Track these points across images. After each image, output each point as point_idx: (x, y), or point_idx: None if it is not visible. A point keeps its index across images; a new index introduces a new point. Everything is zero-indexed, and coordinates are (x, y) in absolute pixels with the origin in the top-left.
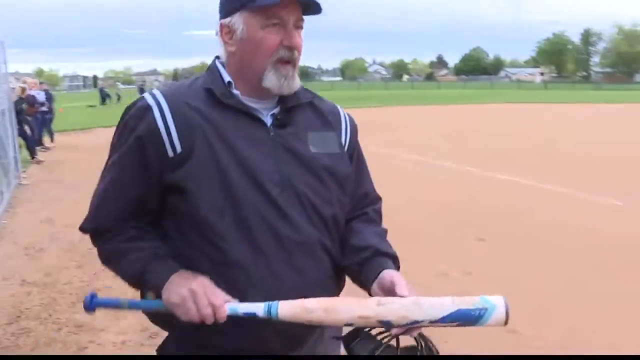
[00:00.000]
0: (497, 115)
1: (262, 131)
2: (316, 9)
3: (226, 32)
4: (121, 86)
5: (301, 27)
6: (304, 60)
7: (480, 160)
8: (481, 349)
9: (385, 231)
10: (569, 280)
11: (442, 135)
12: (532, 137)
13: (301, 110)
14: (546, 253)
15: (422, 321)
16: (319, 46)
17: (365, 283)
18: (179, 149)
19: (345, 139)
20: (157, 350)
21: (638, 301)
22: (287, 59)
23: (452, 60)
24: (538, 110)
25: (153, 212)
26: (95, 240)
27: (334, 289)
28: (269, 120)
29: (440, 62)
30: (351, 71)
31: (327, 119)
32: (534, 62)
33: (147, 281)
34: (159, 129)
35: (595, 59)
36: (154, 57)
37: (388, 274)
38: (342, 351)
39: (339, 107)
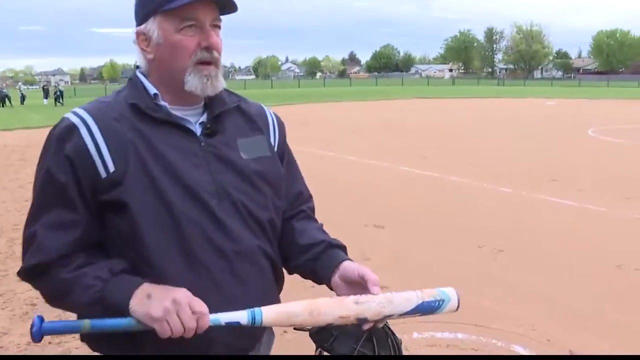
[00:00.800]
0: (406, 110)
1: (192, 142)
2: (232, 8)
3: (142, 39)
4: (23, 87)
5: (219, 27)
6: None
7: (383, 153)
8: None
9: (322, 226)
10: (462, 260)
11: (351, 130)
12: (436, 131)
13: (229, 115)
14: (439, 236)
15: (392, 315)
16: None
17: (323, 277)
18: (111, 168)
19: (274, 140)
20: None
21: (519, 274)
22: (208, 60)
23: (364, 57)
24: (445, 105)
25: (99, 244)
26: (37, 279)
27: (276, 293)
28: (198, 130)
29: (353, 59)
30: (264, 69)
31: (255, 123)
32: (443, 59)
33: (109, 304)
34: (87, 149)
35: (499, 56)
36: (58, 56)
37: (352, 267)
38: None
39: (265, 108)
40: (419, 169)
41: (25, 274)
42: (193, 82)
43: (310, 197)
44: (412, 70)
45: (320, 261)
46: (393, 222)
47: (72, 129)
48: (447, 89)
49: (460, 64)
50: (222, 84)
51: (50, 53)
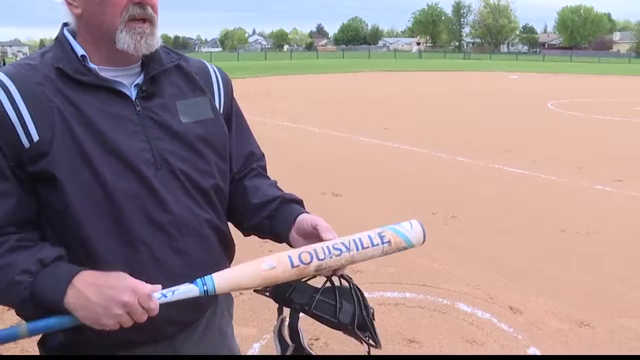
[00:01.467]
0: (372, 83)
1: (127, 107)
2: None
3: None
4: None
5: None
6: (182, 31)
7: (345, 125)
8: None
9: (276, 182)
10: None
11: (315, 103)
12: (400, 103)
13: (167, 76)
14: (395, 204)
15: (354, 261)
16: (198, 16)
17: (281, 233)
18: (35, 137)
19: (219, 100)
20: (39, 343)
21: (469, 239)
22: (141, 16)
23: (332, 30)
24: (411, 78)
25: (34, 218)
26: None
27: (225, 263)
28: (133, 93)
29: (320, 32)
30: (231, 42)
31: (197, 83)
32: (411, 33)
33: (41, 301)
34: (8, 116)
35: (467, 30)
36: (15, 26)
37: (306, 219)
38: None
39: (208, 64)
40: (380, 140)
41: None
42: (125, 40)
43: (263, 156)
44: (380, 43)
45: (276, 219)
46: (351, 190)
47: None
48: (414, 63)
49: (428, 37)
50: (157, 41)
51: (6, 23)
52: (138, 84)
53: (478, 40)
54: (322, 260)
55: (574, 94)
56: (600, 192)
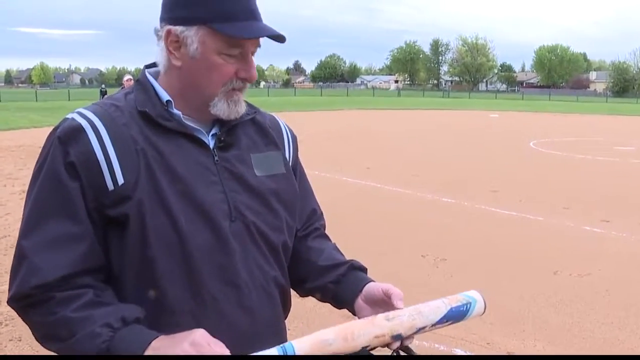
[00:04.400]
0: (351, 121)
1: (205, 156)
2: (281, 39)
3: (173, 41)
4: None
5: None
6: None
7: (325, 164)
8: None
9: (335, 245)
10: (405, 269)
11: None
12: (380, 141)
13: (243, 128)
14: (382, 246)
15: (425, 327)
16: None
17: (345, 300)
18: (120, 180)
19: (289, 155)
20: None
21: (460, 281)
22: (240, 88)
23: (309, 67)
24: (390, 116)
25: (105, 265)
26: (31, 308)
27: (283, 321)
28: (211, 143)
29: (298, 69)
30: None
31: (270, 137)
32: (389, 70)
33: (117, 355)
34: (95, 156)
35: (445, 68)
36: None
37: (376, 286)
38: None
39: (278, 119)
40: (362, 180)
41: (18, 301)
42: (220, 107)
43: (322, 214)
44: (358, 81)
45: (343, 284)
46: (335, 233)
47: (78, 131)
48: (393, 100)
49: (406, 75)
50: (244, 106)
51: None
52: (216, 133)
53: (456, 78)
54: (400, 328)
55: (555, 133)
56: (589, 232)
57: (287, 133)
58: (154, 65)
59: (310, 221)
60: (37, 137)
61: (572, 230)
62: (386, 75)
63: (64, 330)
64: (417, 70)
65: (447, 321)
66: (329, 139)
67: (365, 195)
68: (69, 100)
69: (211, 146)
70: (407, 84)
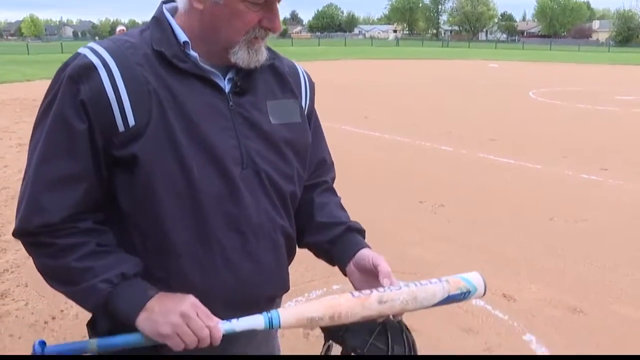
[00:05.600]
0: (349, 71)
1: (220, 100)
2: None
3: None
4: None
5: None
6: (150, 17)
7: (324, 113)
8: None
9: (340, 200)
10: (404, 215)
11: None
12: (379, 91)
13: (260, 73)
14: (382, 193)
15: (415, 309)
16: None
17: (339, 261)
18: (132, 121)
19: (305, 104)
20: (88, 326)
21: (458, 227)
22: (262, 38)
23: (307, 16)
24: (388, 65)
25: (104, 204)
26: (35, 245)
27: (287, 269)
28: (227, 87)
29: (294, 19)
30: None
31: (288, 84)
32: (387, 20)
33: (114, 313)
34: (107, 96)
35: (444, 17)
36: None
37: (367, 256)
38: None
39: (298, 66)
40: (361, 129)
41: (22, 237)
42: (241, 55)
43: (332, 164)
44: (356, 30)
45: (338, 245)
46: (336, 180)
47: (90, 69)
48: (391, 50)
49: (405, 25)
50: (265, 54)
51: None
52: (232, 78)
53: (456, 27)
54: (383, 292)
55: (555, 83)
56: (587, 180)
57: (305, 80)
58: (171, 0)
59: (319, 171)
60: (31, 91)
61: (570, 178)
62: (384, 24)
63: (66, 277)
64: (416, 20)
65: (439, 304)
66: (327, 89)
67: (363, 144)
68: (62, 53)
69: (227, 91)
70: (406, 33)
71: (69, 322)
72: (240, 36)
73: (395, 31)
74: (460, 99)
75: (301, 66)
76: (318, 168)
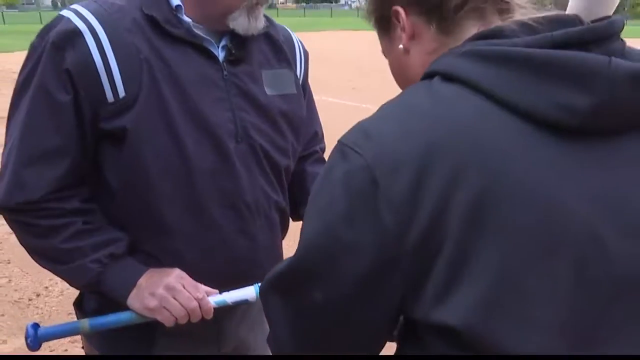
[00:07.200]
0: (336, 41)
1: (214, 69)
2: None
3: None
4: None
5: None
6: None
7: (311, 84)
8: None
9: None
10: None
11: None
12: (366, 63)
13: (255, 41)
14: None
15: None
16: None
17: None
18: (122, 92)
19: (300, 74)
20: (75, 304)
21: None
22: (262, 3)
23: None
24: (376, 37)
25: (88, 179)
26: (18, 221)
27: (280, 245)
28: (221, 55)
29: None
30: None
31: (284, 53)
32: None
33: (105, 292)
34: (95, 65)
35: None
36: None
37: None
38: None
39: (292, 33)
40: (349, 101)
41: (5, 212)
42: (240, 22)
43: (323, 136)
44: (342, 1)
45: None
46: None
47: (75, 34)
48: None
49: None
50: (263, 21)
51: None
52: (225, 45)
53: None
54: None
55: None
56: None
57: (299, 49)
58: None
59: (311, 143)
60: (9, 62)
61: None
62: None
63: (53, 256)
64: None
65: None
66: (314, 61)
67: (353, 115)
68: (41, 23)
69: (220, 59)
70: None
71: (54, 299)
72: (242, 1)
73: None
74: None
75: (294, 33)
76: (311, 140)
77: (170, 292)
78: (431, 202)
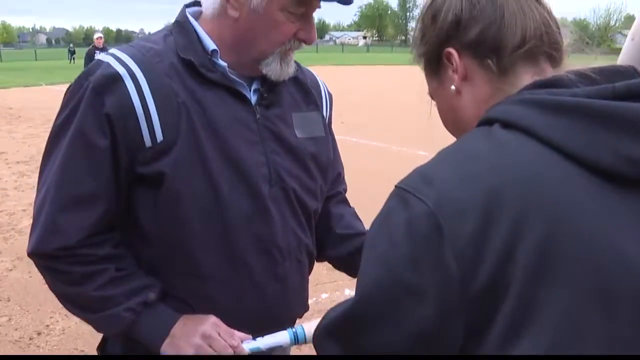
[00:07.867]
0: (322, 77)
1: (247, 112)
2: (348, 2)
3: None
4: None
5: None
6: (125, 24)
7: None
8: None
9: (354, 210)
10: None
11: None
12: (353, 97)
13: (285, 85)
14: (361, 200)
15: None
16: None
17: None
18: (159, 137)
19: (326, 115)
20: (98, 348)
21: None
22: (294, 49)
23: None
24: (361, 71)
25: (120, 224)
26: (52, 269)
27: (307, 289)
28: (253, 99)
29: None
30: None
31: (312, 96)
32: (357, 26)
33: (137, 340)
34: (134, 109)
35: (412, 24)
36: None
37: None
38: None
39: (316, 76)
40: (338, 134)
41: (39, 258)
42: (273, 68)
43: (344, 177)
44: (327, 37)
45: (358, 257)
46: None
47: (115, 79)
48: (362, 56)
49: (374, 31)
50: (294, 67)
51: None
52: (257, 89)
53: None
54: None
55: None
56: None
57: (325, 92)
58: (194, 4)
59: (335, 184)
60: (5, 98)
61: None
62: (354, 31)
63: (85, 304)
64: (385, 26)
65: None
66: None
67: (343, 150)
68: (36, 60)
69: (253, 102)
70: (375, 39)
71: (55, 338)
72: (276, 47)
73: (365, 37)
74: (434, 103)
75: (319, 76)
76: (334, 181)
77: (206, 341)
78: (496, 250)
